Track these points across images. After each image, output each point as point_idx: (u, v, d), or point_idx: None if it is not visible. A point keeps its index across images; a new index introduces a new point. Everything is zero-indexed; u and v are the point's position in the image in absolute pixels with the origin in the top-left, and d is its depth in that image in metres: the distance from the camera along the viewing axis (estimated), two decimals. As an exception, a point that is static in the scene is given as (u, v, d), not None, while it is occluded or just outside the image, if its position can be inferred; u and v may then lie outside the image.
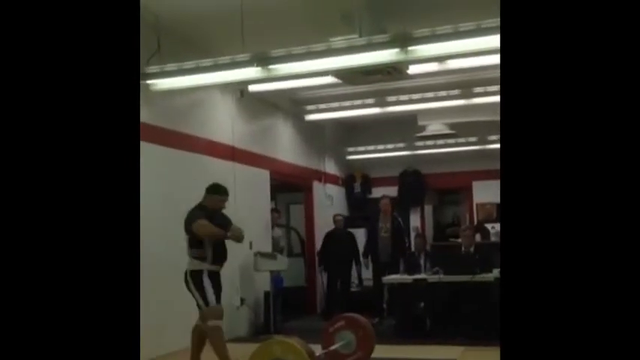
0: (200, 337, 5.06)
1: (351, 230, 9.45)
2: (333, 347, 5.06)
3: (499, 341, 1.92)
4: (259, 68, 4.91)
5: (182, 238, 6.34)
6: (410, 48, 4.56)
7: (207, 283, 4.85)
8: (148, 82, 5.26)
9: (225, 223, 5.07)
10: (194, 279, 4.88)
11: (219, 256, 5.02)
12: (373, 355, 5.24)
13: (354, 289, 9.47)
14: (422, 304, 7.06)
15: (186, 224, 4.95)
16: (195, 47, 6.27)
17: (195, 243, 4.91)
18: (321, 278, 9.51)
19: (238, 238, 5.11)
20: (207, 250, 4.92)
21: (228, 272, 7.21)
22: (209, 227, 4.86)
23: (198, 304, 4.92)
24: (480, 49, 4.49)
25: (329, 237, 9.17)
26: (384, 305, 8.37)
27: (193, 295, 4.93)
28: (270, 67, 4.91)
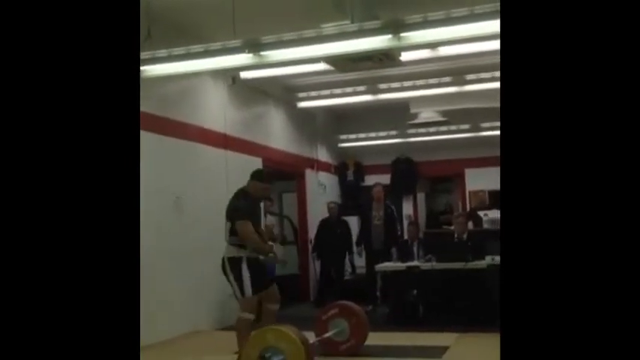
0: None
1: (344, 218, 9.44)
2: (326, 335, 5.06)
3: (499, 327, 1.92)
4: (251, 54, 4.86)
5: (174, 222, 6.36)
6: (402, 34, 4.52)
7: (245, 272, 4.67)
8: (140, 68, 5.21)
9: (258, 221, 4.99)
10: (233, 267, 4.70)
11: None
12: (366, 343, 5.25)
13: (347, 277, 9.48)
14: (415, 292, 7.07)
15: (230, 214, 4.79)
16: (187, 33, 6.21)
17: (235, 231, 4.74)
18: (314, 266, 9.51)
19: (276, 260, 5.13)
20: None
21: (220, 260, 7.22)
22: (252, 235, 4.69)
23: (234, 294, 4.79)
24: (473, 36, 4.46)
25: (323, 225, 9.17)
26: (378, 293, 8.39)
27: (231, 284, 4.79)
28: (262, 53, 4.86)
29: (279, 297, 4.87)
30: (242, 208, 4.78)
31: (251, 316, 4.67)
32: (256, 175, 5.03)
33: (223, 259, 4.79)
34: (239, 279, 4.66)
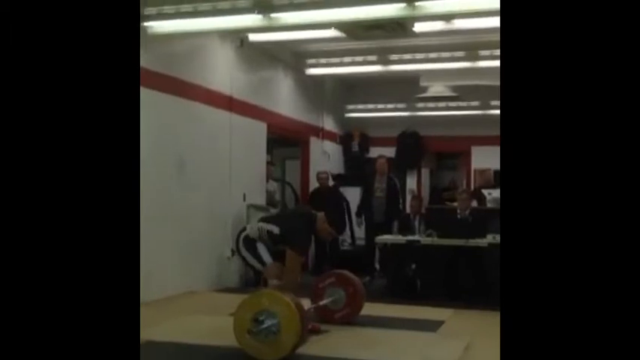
0: None
1: (348, 189, 9.37)
2: (322, 302, 5.04)
3: (497, 306, 1.90)
4: (260, 16, 4.77)
5: (174, 182, 6.32)
6: (417, 3, 4.43)
7: (261, 247, 4.70)
8: (146, 24, 5.12)
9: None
10: (247, 245, 4.73)
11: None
12: (362, 313, 5.24)
13: (346, 247, 9.46)
14: (414, 266, 7.04)
15: (289, 233, 4.71)
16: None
17: (277, 221, 4.80)
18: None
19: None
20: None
21: (221, 223, 7.21)
22: (294, 272, 4.67)
23: (254, 269, 4.81)
24: (489, 9, 4.36)
25: (313, 196, 9.09)
26: (377, 265, 8.37)
27: (247, 261, 4.81)
28: (272, 15, 4.77)
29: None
30: (303, 239, 4.79)
31: (276, 282, 4.62)
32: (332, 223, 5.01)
33: (238, 237, 4.81)
34: (255, 254, 4.68)
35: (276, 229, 4.69)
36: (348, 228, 9.41)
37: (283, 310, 3.87)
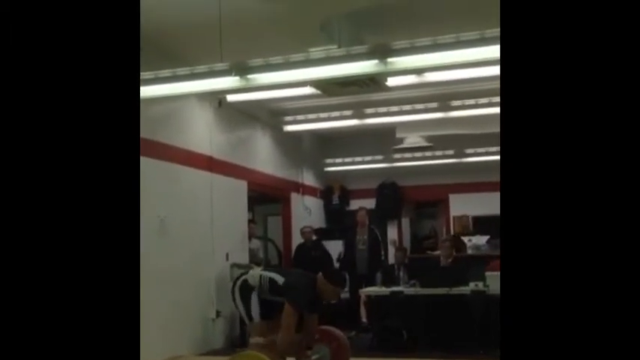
0: None
1: (330, 242, 9.38)
2: None
3: (479, 353, 1.91)
4: (237, 77, 4.85)
5: (155, 245, 6.29)
6: (389, 59, 4.54)
7: (254, 300, 4.54)
8: (125, 90, 5.19)
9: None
10: (242, 293, 4.57)
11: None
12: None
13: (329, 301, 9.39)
14: (399, 317, 7.02)
15: (294, 291, 4.51)
16: (173, 56, 6.21)
17: (283, 273, 4.64)
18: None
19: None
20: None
21: (205, 283, 7.16)
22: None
23: (241, 318, 4.64)
24: (459, 62, 4.49)
25: (298, 250, 9.10)
26: (364, 318, 8.32)
27: (237, 308, 4.66)
28: (249, 76, 4.87)
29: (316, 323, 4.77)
30: (303, 296, 4.54)
31: (260, 340, 4.47)
32: (332, 276, 4.78)
33: (235, 282, 4.69)
34: (247, 305, 4.54)
35: (280, 279, 4.55)
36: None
37: None
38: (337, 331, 5.24)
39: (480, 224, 10.29)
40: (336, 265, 8.91)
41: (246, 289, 4.58)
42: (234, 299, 4.67)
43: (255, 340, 4.51)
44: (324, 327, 5.33)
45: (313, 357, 4.96)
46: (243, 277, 4.70)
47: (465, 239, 9.88)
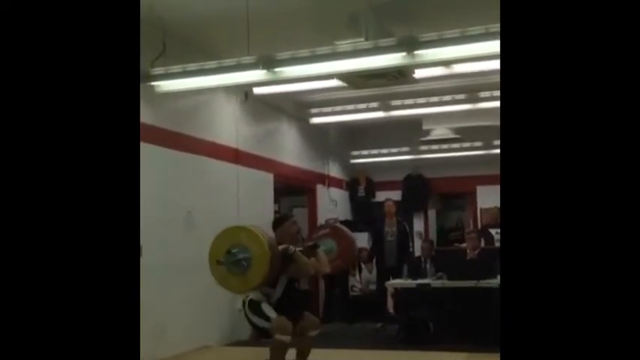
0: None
1: (355, 234, 9.36)
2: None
3: (499, 348, 1.91)
4: (264, 71, 4.87)
5: (183, 237, 6.35)
6: (416, 52, 4.52)
7: (265, 306, 4.56)
8: (153, 83, 5.24)
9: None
10: (251, 307, 4.60)
11: (288, 303, 4.64)
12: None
13: (356, 293, 9.42)
14: (426, 310, 7.01)
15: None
16: (201, 49, 6.24)
17: (270, 281, 4.57)
18: (322, 284, 9.47)
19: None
20: (277, 292, 4.61)
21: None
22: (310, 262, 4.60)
23: (260, 328, 4.62)
24: (487, 54, 4.44)
25: None
26: (391, 310, 8.31)
27: (251, 322, 4.66)
28: (276, 69, 4.88)
29: (318, 322, 4.75)
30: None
31: (287, 338, 4.42)
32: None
33: (244, 301, 4.71)
34: (259, 312, 4.55)
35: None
36: (357, 273, 9.43)
37: (256, 248, 4.07)
38: (348, 232, 5.41)
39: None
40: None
41: (253, 305, 4.61)
42: (247, 319, 4.68)
43: (280, 338, 4.42)
44: (337, 225, 5.40)
45: (321, 247, 4.94)
46: (249, 297, 4.71)
47: (493, 232, 9.81)
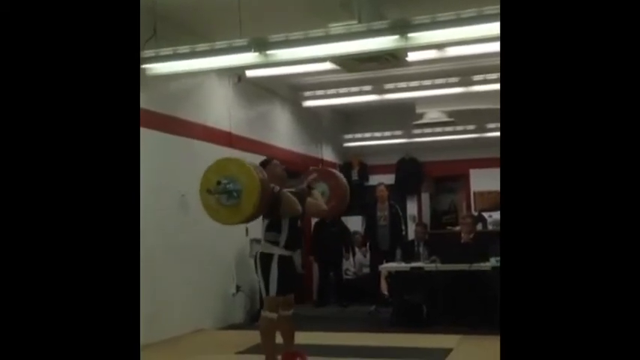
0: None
1: (349, 217, 9.37)
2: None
3: (499, 329, 1.92)
4: (257, 53, 4.84)
5: (176, 221, 6.34)
6: (409, 35, 4.49)
7: (274, 270, 4.47)
8: (144, 66, 5.19)
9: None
10: (262, 262, 4.53)
11: (294, 240, 4.64)
12: (370, 344, 5.23)
13: (350, 276, 9.46)
14: (419, 293, 7.04)
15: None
16: (193, 32, 6.19)
17: (273, 226, 4.55)
18: (315, 267, 9.50)
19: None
20: (283, 234, 4.54)
21: (225, 259, 7.22)
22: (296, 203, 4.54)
23: (260, 291, 4.66)
24: (481, 37, 4.43)
25: (317, 226, 9.12)
26: (385, 292, 8.35)
27: (258, 280, 4.65)
28: (268, 52, 4.84)
29: (293, 302, 4.80)
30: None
31: (274, 315, 4.50)
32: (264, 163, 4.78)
33: (255, 255, 4.70)
34: (266, 276, 4.49)
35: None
36: (351, 257, 9.46)
37: (248, 181, 4.07)
38: (334, 171, 5.44)
39: (501, 199, 10.24)
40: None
41: (266, 259, 4.53)
42: (256, 271, 4.66)
43: (266, 314, 4.51)
44: (323, 168, 5.39)
45: (315, 190, 4.95)
46: (259, 251, 4.66)
47: (486, 215, 9.85)
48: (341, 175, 5.35)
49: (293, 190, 4.62)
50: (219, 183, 4.09)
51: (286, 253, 4.55)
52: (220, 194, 4.11)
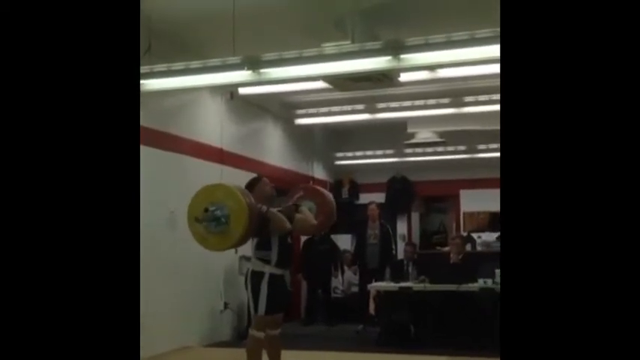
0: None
1: (339, 236, 9.36)
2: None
3: (486, 350, 1.93)
4: (250, 71, 4.86)
5: (165, 237, 6.31)
6: (402, 56, 4.53)
7: (264, 288, 4.44)
8: (137, 82, 5.20)
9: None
10: (253, 281, 4.49)
11: (285, 258, 4.60)
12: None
13: (338, 295, 9.43)
14: (407, 313, 7.02)
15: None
16: (187, 49, 6.21)
17: (263, 244, 4.52)
18: (304, 285, 9.47)
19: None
20: (273, 252, 4.51)
21: (213, 276, 7.18)
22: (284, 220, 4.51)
23: (249, 309, 4.62)
24: (473, 59, 4.47)
25: (306, 244, 9.10)
26: (373, 312, 8.33)
27: (248, 298, 4.62)
28: (261, 70, 4.87)
29: (281, 322, 4.77)
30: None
31: (261, 335, 4.47)
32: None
33: (246, 273, 4.66)
34: (256, 295, 4.46)
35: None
36: (340, 275, 9.44)
37: (233, 204, 4.06)
38: (319, 188, 5.44)
39: (491, 220, 10.29)
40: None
41: (256, 278, 4.50)
42: (246, 288, 4.63)
43: (253, 332, 4.49)
44: (309, 185, 5.37)
45: (303, 207, 4.93)
46: (250, 269, 4.63)
47: (475, 236, 9.86)
48: (327, 192, 5.37)
49: (280, 209, 4.61)
50: (206, 210, 4.06)
51: (278, 271, 4.51)
52: (209, 222, 4.08)
